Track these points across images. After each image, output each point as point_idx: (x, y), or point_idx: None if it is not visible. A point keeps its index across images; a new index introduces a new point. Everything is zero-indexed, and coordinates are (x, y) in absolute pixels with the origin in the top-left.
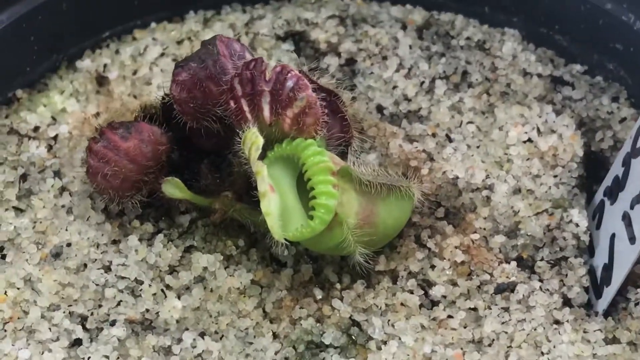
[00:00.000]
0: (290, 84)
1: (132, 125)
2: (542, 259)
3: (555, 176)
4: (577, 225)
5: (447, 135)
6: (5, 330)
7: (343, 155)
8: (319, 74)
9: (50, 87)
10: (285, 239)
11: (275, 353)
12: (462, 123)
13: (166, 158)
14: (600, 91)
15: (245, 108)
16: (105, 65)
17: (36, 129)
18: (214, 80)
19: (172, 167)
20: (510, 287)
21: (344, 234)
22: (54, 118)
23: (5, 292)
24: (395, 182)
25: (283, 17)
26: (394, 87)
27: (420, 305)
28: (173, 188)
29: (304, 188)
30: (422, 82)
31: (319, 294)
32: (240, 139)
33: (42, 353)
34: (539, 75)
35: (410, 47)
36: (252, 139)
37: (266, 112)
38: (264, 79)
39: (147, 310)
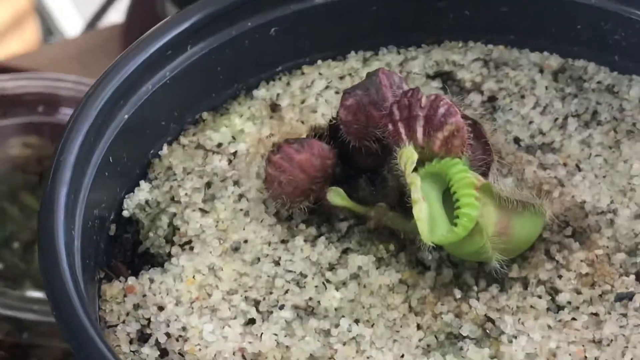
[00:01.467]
0: (442, 110)
1: (305, 141)
2: None
3: None
4: None
5: (576, 165)
6: (193, 308)
7: (484, 177)
8: (465, 107)
9: (231, 111)
10: (432, 243)
11: (419, 340)
12: (590, 155)
13: (332, 171)
14: None
15: (402, 130)
16: (277, 95)
17: (219, 145)
18: (375, 106)
19: (335, 179)
20: (629, 297)
21: (483, 241)
22: (234, 137)
23: (194, 276)
24: (530, 200)
25: (433, 58)
26: (530, 122)
27: (548, 309)
28: (336, 196)
29: (449, 202)
30: (556, 119)
31: (458, 294)
32: (397, 155)
33: (223, 328)
34: None
35: (546, 88)
36: (408, 155)
37: (419, 134)
38: (420, 105)
39: (310, 299)
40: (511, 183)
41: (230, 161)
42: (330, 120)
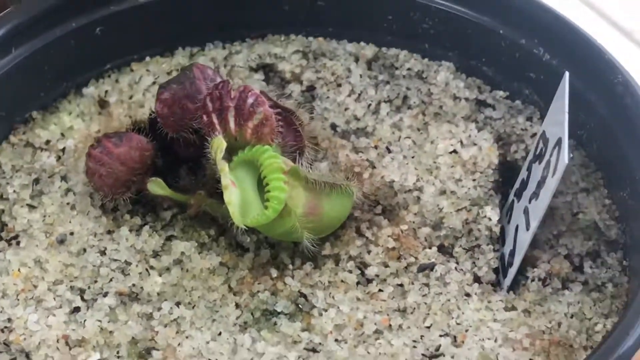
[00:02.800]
0: (250, 100)
1: (124, 135)
2: (460, 246)
3: (474, 180)
4: (489, 219)
5: (387, 148)
6: (18, 299)
7: (295, 162)
8: (285, 96)
9: (60, 109)
10: (245, 226)
11: (237, 318)
12: (400, 138)
13: (151, 162)
14: (517, 112)
15: (215, 121)
16: (106, 92)
17: (47, 142)
18: (190, 99)
19: (156, 170)
20: (431, 267)
21: (292, 221)
22: (62, 134)
23: (19, 269)
24: (337, 181)
25: (256, 52)
26: (346, 109)
27: (357, 283)
28: (156, 187)
29: (262, 188)
30: (369, 105)
31: (274, 273)
32: (210, 145)
33: (48, 317)
34: (467, 99)
35: (361, 76)
36: (218, 144)
37: (232, 124)
38: (230, 97)
39: (134, 285)
40: (326, 167)
41: (59, 157)
42: (150, 114)
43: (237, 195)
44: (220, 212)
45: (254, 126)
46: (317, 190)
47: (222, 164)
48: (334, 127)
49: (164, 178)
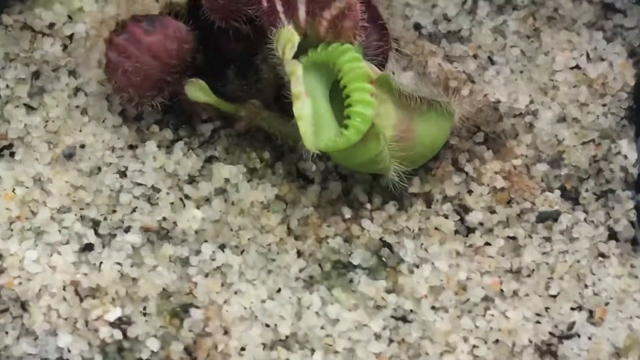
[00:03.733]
0: None
1: (157, 19)
2: (587, 190)
3: (603, 105)
4: (625, 157)
5: (489, 58)
6: (12, 230)
7: (380, 68)
8: None
9: None
10: (317, 150)
11: (300, 270)
12: (505, 46)
13: (191, 58)
14: None
15: (279, 8)
16: None
17: (51, 26)
18: None
19: (196, 69)
20: (553, 217)
21: (380, 147)
22: (70, 17)
23: (14, 189)
24: (436, 97)
25: None
26: (434, 6)
27: (456, 231)
28: (197, 90)
29: (339, 99)
30: (464, 2)
31: (347, 213)
32: (273, 39)
33: (51, 255)
34: (589, 1)
35: None
36: (288, 37)
37: (302, 13)
38: None
39: (164, 219)
40: (412, 77)
41: (65, 46)
42: None
43: (310, 109)
44: (279, 130)
45: (331, 17)
46: (410, 108)
47: (293, 65)
48: (417, 27)
49: (206, 80)
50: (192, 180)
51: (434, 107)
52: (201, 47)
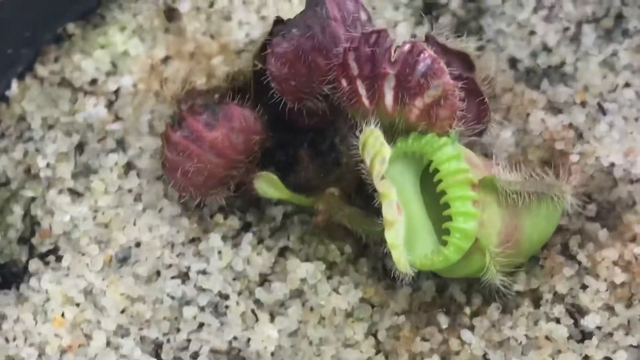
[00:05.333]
0: (422, 67)
1: (219, 109)
2: None
3: None
4: None
5: (599, 105)
6: None
7: (469, 145)
8: (446, 33)
9: (108, 20)
10: (412, 269)
11: None
12: (617, 87)
13: (259, 148)
14: None
15: (362, 92)
16: None
17: (93, 82)
18: (322, 53)
19: (264, 153)
20: None
21: (483, 261)
22: (114, 64)
23: (63, 313)
24: (547, 190)
25: None
26: (531, 33)
27: (569, 337)
28: (268, 186)
29: (429, 187)
30: (566, 28)
31: (444, 321)
32: (350, 120)
33: None
34: None
35: None
36: (376, 148)
37: (389, 99)
38: (389, 59)
39: (235, 339)
40: (511, 138)
41: (110, 104)
42: (254, 65)
43: (402, 233)
44: (365, 229)
45: (424, 106)
46: (517, 207)
47: (386, 188)
48: (513, 62)
49: (276, 166)
50: (263, 280)
51: (544, 200)
52: (271, 134)
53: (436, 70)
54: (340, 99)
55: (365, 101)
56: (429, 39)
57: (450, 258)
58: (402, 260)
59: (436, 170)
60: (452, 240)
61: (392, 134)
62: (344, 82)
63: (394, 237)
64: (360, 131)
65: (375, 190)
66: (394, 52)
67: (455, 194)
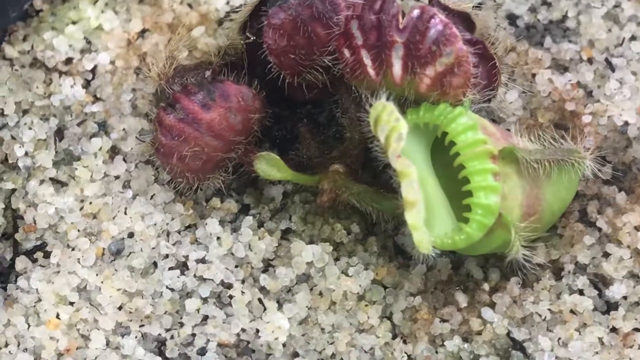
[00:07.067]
0: (433, 34)
1: (215, 87)
2: None
3: None
4: None
5: (607, 61)
6: None
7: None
8: None
9: None
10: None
11: None
12: (623, 40)
13: (258, 126)
14: None
15: (367, 62)
16: None
17: (68, 61)
18: (322, 22)
19: (262, 130)
20: None
21: (506, 238)
22: (88, 40)
23: (57, 314)
24: (568, 156)
25: None
26: None
27: (594, 309)
28: (269, 167)
29: (442, 154)
30: None
31: (462, 300)
32: (354, 92)
33: None
34: None
35: None
36: (391, 123)
37: (397, 69)
38: (396, 26)
39: (243, 331)
40: (517, 101)
41: (87, 84)
42: (246, 37)
43: (423, 212)
44: (375, 205)
45: (436, 74)
46: (538, 176)
47: (405, 167)
48: (512, 19)
49: (274, 141)
50: (267, 265)
51: (564, 166)
52: (269, 110)
53: (449, 36)
54: (343, 70)
55: (371, 72)
56: (431, 0)
57: (473, 236)
58: (425, 241)
59: (451, 143)
60: (475, 217)
61: (400, 105)
62: (346, 53)
63: (415, 217)
64: (371, 105)
65: (387, 167)
66: (403, 19)
67: (474, 167)
